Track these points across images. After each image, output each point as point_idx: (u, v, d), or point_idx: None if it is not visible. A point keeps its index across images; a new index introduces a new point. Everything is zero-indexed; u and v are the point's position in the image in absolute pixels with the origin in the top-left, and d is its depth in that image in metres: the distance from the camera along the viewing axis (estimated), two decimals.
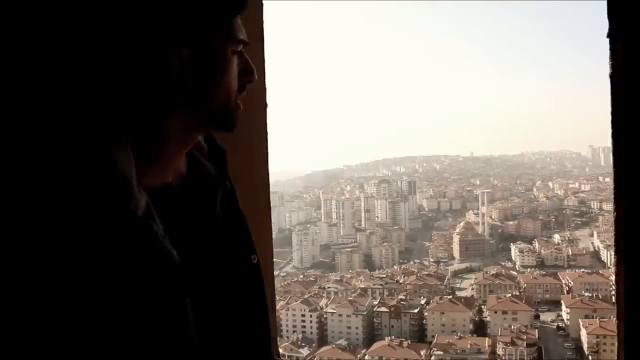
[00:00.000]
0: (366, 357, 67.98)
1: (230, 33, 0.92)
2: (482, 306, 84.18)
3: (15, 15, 0.79)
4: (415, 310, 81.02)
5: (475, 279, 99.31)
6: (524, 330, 71.02)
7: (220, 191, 1.07)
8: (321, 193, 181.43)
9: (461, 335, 72.35)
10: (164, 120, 0.89)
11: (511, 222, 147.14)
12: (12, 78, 0.79)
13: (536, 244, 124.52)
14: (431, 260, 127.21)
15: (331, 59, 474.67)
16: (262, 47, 1.87)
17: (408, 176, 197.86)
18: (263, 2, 1.90)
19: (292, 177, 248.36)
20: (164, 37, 0.83)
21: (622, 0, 1.45)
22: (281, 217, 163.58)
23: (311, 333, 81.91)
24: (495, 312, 77.00)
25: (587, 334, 68.60)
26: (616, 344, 1.60)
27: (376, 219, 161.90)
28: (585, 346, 69.52)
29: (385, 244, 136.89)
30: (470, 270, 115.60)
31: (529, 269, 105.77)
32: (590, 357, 67.54)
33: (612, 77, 1.49)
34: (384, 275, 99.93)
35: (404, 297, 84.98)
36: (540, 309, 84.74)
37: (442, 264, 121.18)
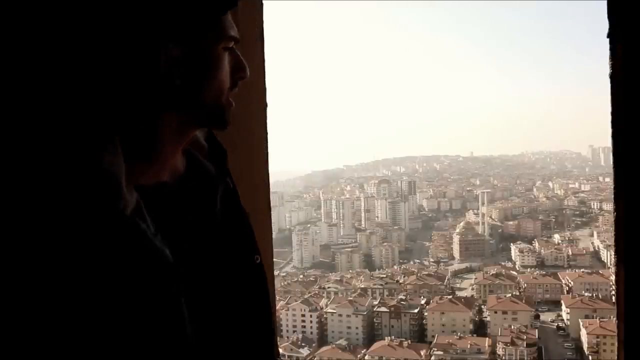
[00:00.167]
0: (366, 357, 68.00)
1: (220, 30, 0.92)
2: (482, 306, 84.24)
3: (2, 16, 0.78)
4: (415, 310, 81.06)
5: (475, 279, 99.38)
6: (524, 330, 71.06)
7: (220, 191, 1.06)
8: (321, 193, 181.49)
9: (461, 335, 72.39)
10: (156, 119, 0.89)
11: (511, 222, 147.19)
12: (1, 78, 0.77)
13: (536, 244, 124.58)
14: (431, 260, 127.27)
15: (331, 59, 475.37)
16: (262, 47, 1.87)
17: (408, 176, 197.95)
18: (263, 2, 1.90)
19: (292, 177, 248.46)
20: (153, 36, 0.83)
21: (622, 0, 1.44)
22: (281, 217, 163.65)
23: (311, 333, 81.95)
24: (495, 312, 77.04)
25: (587, 334, 68.63)
26: (616, 344, 1.60)
27: (376, 219, 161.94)
28: (585, 346, 69.56)
29: (385, 244, 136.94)
30: (470, 270, 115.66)
31: (529, 269, 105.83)
32: (590, 357, 67.57)
33: (612, 77, 1.49)
34: (384, 275, 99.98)
35: (404, 297, 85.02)
36: (540, 309, 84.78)
37: (442, 264, 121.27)
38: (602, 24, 1.48)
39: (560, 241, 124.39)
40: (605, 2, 1.47)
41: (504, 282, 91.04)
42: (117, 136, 0.81)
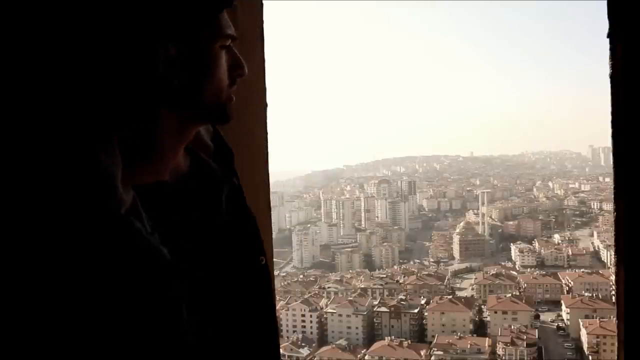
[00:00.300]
0: (366, 357, 68.01)
1: (217, 28, 0.91)
2: (482, 306, 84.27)
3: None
4: (415, 310, 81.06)
5: (475, 279, 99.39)
6: (524, 330, 71.08)
7: (226, 191, 1.06)
8: (321, 193, 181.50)
9: (461, 335, 72.40)
10: (155, 118, 0.88)
11: (511, 222, 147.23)
12: None
13: (536, 244, 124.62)
14: (431, 260, 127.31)
15: (331, 59, 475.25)
16: (262, 47, 1.87)
17: (408, 176, 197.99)
18: (263, 2, 1.89)
19: (292, 177, 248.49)
20: (150, 35, 0.83)
21: (622, 0, 1.44)
22: (281, 217, 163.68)
23: (311, 333, 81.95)
24: (495, 312, 77.05)
25: (587, 334, 68.64)
26: (616, 344, 1.59)
27: (376, 219, 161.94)
28: (585, 346, 69.57)
29: (385, 244, 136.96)
30: (470, 270, 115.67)
31: (529, 269, 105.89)
32: (590, 357, 67.58)
33: (612, 77, 1.48)
34: (384, 275, 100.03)
35: (404, 297, 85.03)
36: (540, 309, 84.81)
37: (442, 264, 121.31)
38: (602, 24, 1.48)
39: (560, 241, 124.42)
40: (605, 2, 1.47)
41: (504, 282, 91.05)
42: (115, 136, 0.81)
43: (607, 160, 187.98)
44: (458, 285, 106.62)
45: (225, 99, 0.96)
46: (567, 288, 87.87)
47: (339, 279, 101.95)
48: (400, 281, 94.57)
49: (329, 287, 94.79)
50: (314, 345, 76.70)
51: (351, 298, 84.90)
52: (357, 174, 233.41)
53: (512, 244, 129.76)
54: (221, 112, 0.97)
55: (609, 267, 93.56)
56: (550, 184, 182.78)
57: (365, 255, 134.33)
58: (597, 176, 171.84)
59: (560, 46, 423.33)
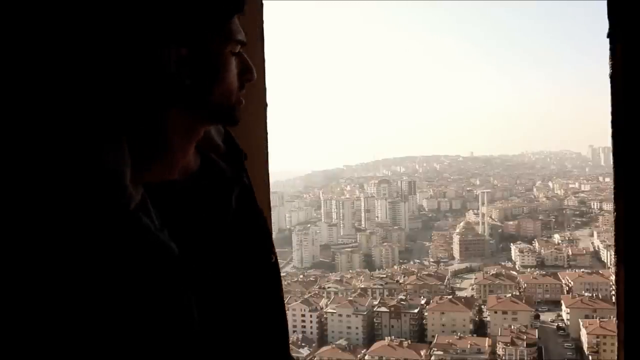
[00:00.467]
0: (366, 357, 67.97)
1: (227, 34, 0.93)
2: (482, 306, 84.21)
3: (10, 13, 0.79)
4: (415, 310, 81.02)
5: (475, 279, 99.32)
6: (524, 330, 71.03)
7: (236, 190, 1.08)
8: (321, 193, 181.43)
9: (461, 335, 72.36)
10: (164, 117, 0.90)
11: (511, 222, 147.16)
12: (6, 76, 0.79)
13: (536, 244, 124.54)
14: (431, 260, 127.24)
15: (331, 59, 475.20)
16: (262, 47, 1.87)
17: (408, 176, 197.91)
18: (263, 2, 1.89)
19: (292, 177, 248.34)
20: (161, 37, 0.84)
21: (622, 0, 1.44)
22: (281, 217, 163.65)
23: (311, 333, 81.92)
24: (495, 312, 77.00)
25: (587, 334, 68.60)
26: (616, 344, 1.59)
27: (376, 219, 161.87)
28: (585, 346, 69.53)
29: (385, 244, 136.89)
30: (470, 270, 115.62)
31: (529, 269, 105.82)
32: (590, 357, 67.54)
33: (612, 77, 1.48)
34: (384, 275, 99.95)
35: (404, 297, 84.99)
36: (540, 309, 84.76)
37: (442, 264, 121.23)
38: (602, 24, 1.48)
39: (560, 241, 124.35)
40: (605, 2, 1.47)
41: (504, 282, 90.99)
42: (125, 135, 0.82)
43: (607, 160, 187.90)
44: (458, 285, 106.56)
45: (234, 102, 0.98)
46: (567, 288, 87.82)
47: (339, 279, 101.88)
48: (400, 281, 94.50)
49: (329, 287, 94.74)
50: (314, 345, 76.71)
51: (351, 298, 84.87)
52: (357, 174, 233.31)
53: (512, 244, 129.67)
54: (230, 114, 0.98)
55: (609, 267, 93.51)
56: (550, 184, 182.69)
57: (365, 255, 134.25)
58: (597, 176, 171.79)
59: (560, 46, 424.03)
